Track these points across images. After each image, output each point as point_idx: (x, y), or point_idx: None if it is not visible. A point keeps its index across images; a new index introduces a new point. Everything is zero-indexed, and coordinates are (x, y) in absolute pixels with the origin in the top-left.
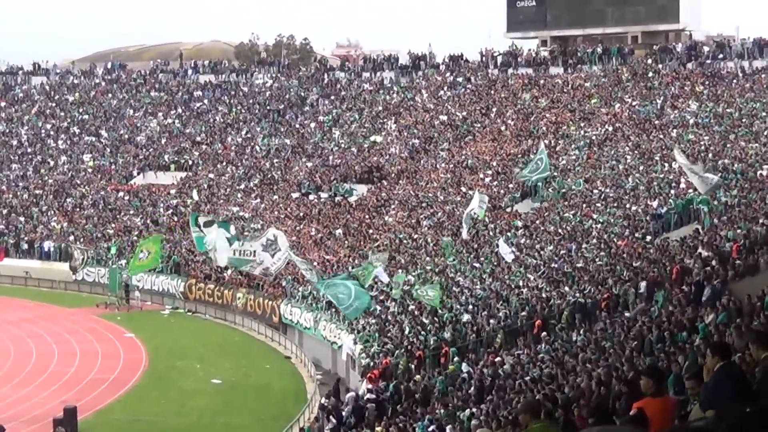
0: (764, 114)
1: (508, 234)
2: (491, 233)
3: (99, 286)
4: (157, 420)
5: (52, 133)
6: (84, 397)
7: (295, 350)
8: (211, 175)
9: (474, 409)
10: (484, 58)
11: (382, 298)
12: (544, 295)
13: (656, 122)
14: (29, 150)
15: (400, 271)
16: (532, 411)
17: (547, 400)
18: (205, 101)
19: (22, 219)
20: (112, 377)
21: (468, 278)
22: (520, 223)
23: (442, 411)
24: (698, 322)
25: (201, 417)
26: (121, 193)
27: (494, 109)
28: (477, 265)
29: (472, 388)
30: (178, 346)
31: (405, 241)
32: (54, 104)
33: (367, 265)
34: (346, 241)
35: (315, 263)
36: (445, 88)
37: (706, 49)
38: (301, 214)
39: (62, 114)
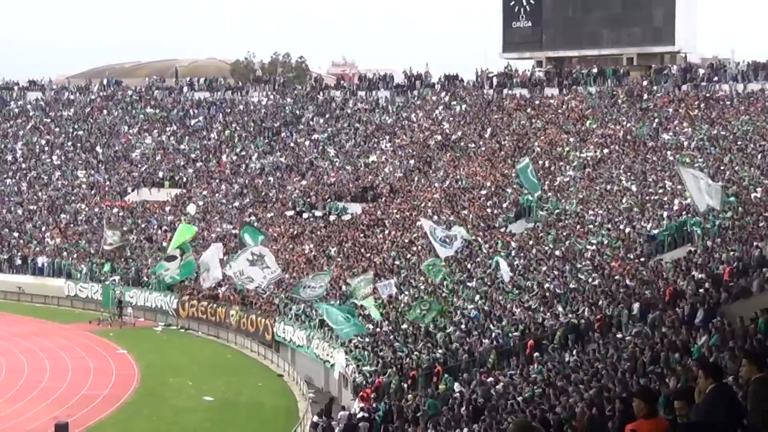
0: (758, 137)
1: (502, 254)
2: (485, 252)
3: (92, 303)
4: None
5: (46, 148)
6: (76, 413)
7: (288, 368)
8: (205, 193)
9: (465, 430)
10: (479, 78)
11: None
12: (537, 316)
13: (651, 144)
14: (24, 165)
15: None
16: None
17: (539, 421)
18: (201, 118)
19: (15, 234)
20: (104, 393)
21: (461, 298)
22: (514, 244)
23: (432, 430)
24: (691, 344)
25: None
26: (115, 210)
27: (489, 130)
28: (470, 284)
29: (464, 408)
30: (170, 363)
31: (397, 262)
32: (49, 120)
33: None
34: (339, 260)
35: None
36: (440, 108)
37: (701, 71)
38: (295, 233)
39: (57, 130)
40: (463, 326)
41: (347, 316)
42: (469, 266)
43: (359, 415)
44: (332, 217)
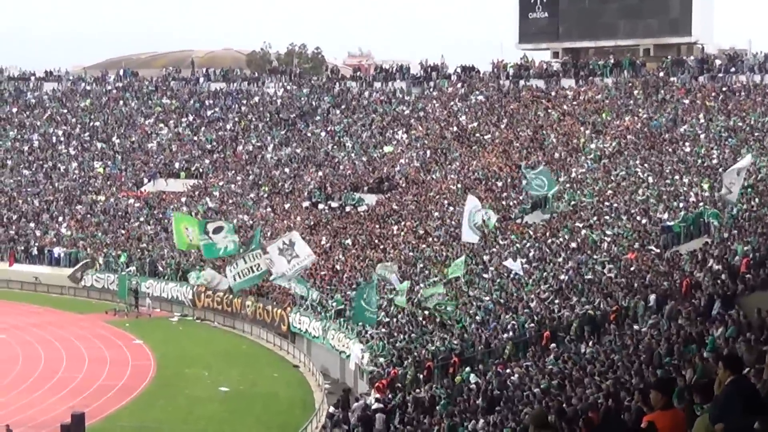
0: None
1: (518, 246)
2: (501, 244)
3: (108, 293)
4: (164, 427)
5: (63, 139)
6: (92, 403)
7: (304, 359)
8: (222, 183)
9: (482, 421)
10: (495, 70)
11: (391, 308)
12: (553, 307)
13: (667, 135)
14: (40, 156)
15: (405, 281)
16: (540, 422)
17: (555, 412)
18: (217, 109)
19: (32, 225)
20: (120, 384)
21: (477, 289)
22: (527, 236)
23: (447, 422)
24: (707, 335)
25: (208, 425)
26: (131, 200)
27: (505, 121)
28: (486, 276)
29: (480, 399)
30: (186, 354)
31: (413, 253)
32: (65, 111)
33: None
34: (354, 251)
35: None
36: (457, 99)
37: (718, 62)
38: (312, 224)
39: (73, 120)
40: (479, 317)
41: (373, 304)
42: (485, 258)
43: (375, 406)
44: (348, 209)
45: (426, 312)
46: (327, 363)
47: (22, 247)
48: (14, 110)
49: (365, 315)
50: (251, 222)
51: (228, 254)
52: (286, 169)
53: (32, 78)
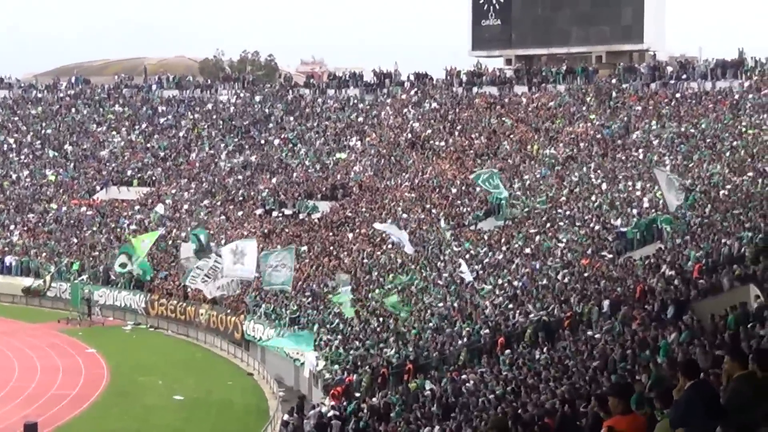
0: (727, 135)
1: (472, 252)
2: (454, 250)
3: (61, 302)
4: None
5: (14, 146)
6: (45, 412)
7: (258, 367)
8: (174, 191)
9: (437, 427)
10: (448, 77)
11: (346, 317)
12: (507, 313)
13: (620, 142)
14: None
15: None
16: (500, 427)
17: (511, 418)
18: (169, 117)
19: None
20: (73, 393)
21: (431, 296)
22: (481, 243)
23: (403, 428)
24: (661, 340)
25: None
26: (83, 209)
27: (459, 127)
28: (440, 282)
29: (435, 406)
30: (140, 362)
31: (366, 261)
32: (16, 118)
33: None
34: (308, 259)
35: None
36: (410, 106)
37: (669, 69)
38: (265, 231)
39: (24, 128)
40: (433, 324)
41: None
42: (438, 264)
43: (330, 414)
44: (302, 216)
45: (381, 319)
46: (281, 370)
47: None
48: None
49: (271, 276)
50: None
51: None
52: (240, 177)
53: None
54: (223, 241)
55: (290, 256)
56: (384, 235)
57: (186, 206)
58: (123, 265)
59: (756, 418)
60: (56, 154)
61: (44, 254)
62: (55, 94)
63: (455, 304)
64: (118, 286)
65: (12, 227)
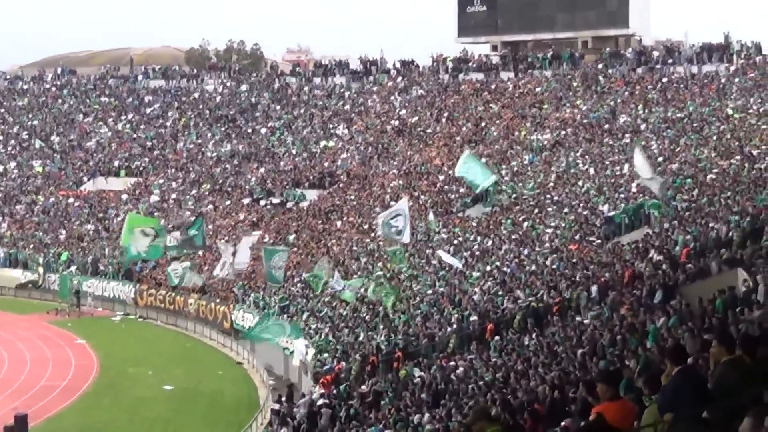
0: (713, 119)
1: (460, 239)
2: (443, 238)
3: (49, 293)
4: (109, 428)
5: (1, 138)
6: (35, 404)
7: (247, 356)
8: (162, 181)
9: (427, 414)
10: (435, 63)
11: (335, 303)
12: (496, 300)
13: (606, 127)
14: None
15: (354, 276)
16: (485, 417)
17: (500, 404)
18: (156, 107)
19: None
20: (63, 384)
21: (420, 283)
22: (469, 230)
23: (393, 416)
24: (649, 325)
25: (153, 424)
26: (71, 199)
27: (445, 114)
28: (429, 269)
29: (425, 393)
30: (129, 353)
31: (355, 248)
32: (3, 110)
33: (316, 273)
34: (297, 247)
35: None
36: (397, 94)
37: (655, 54)
38: (254, 220)
39: (11, 119)
40: (422, 311)
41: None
42: (427, 251)
43: (320, 402)
44: (290, 204)
45: (370, 307)
46: (271, 359)
47: None
48: None
49: (273, 275)
50: (192, 219)
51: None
52: (227, 166)
53: None
54: (211, 231)
55: (286, 256)
56: (373, 225)
57: (174, 196)
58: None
59: (742, 403)
60: (43, 145)
61: (32, 246)
62: (41, 85)
63: (444, 291)
64: (106, 276)
65: (0, 219)
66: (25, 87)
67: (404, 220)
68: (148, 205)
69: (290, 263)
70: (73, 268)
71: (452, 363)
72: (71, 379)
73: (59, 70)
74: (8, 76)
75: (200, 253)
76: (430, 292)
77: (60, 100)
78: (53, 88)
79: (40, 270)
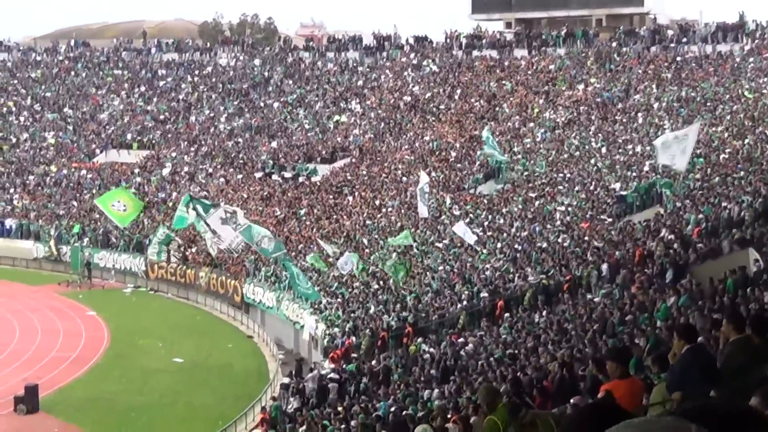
0: (727, 98)
1: (471, 216)
2: (454, 214)
3: (61, 264)
4: (118, 398)
5: (14, 109)
6: (45, 374)
7: (258, 330)
8: (174, 154)
9: (437, 390)
10: (448, 40)
11: (345, 278)
12: (506, 277)
13: (620, 105)
14: None
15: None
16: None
17: (509, 381)
18: (169, 80)
19: None
20: (73, 355)
21: (431, 259)
22: (481, 206)
23: (402, 391)
24: (660, 304)
25: (163, 396)
26: (83, 171)
27: (459, 91)
28: (439, 245)
29: (435, 369)
30: (140, 325)
31: (368, 223)
32: (16, 81)
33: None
34: (309, 222)
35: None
36: (410, 69)
37: (670, 32)
38: (265, 194)
39: (24, 91)
40: (433, 287)
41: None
42: (438, 227)
43: (329, 376)
44: (302, 179)
45: (381, 282)
46: (281, 333)
47: None
48: None
49: (303, 291)
50: (204, 193)
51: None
52: (239, 140)
53: None
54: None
55: (257, 230)
56: (383, 200)
57: (186, 169)
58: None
59: (750, 383)
60: (56, 116)
61: (44, 217)
62: (54, 57)
63: (454, 268)
64: (117, 249)
65: (12, 190)
66: (38, 59)
67: (422, 196)
68: (159, 178)
69: (301, 238)
70: (84, 240)
71: (462, 339)
72: (82, 350)
73: (72, 42)
74: (21, 48)
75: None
76: (440, 268)
77: (73, 72)
78: (66, 60)
79: (52, 242)
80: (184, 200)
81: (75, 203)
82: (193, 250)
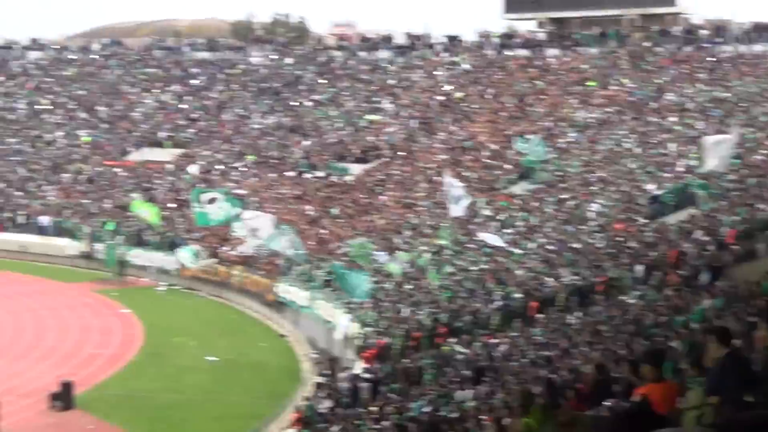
0: (761, 98)
1: (500, 218)
2: (487, 215)
3: (95, 262)
4: (152, 396)
5: (48, 107)
6: (80, 371)
7: (291, 328)
8: (207, 153)
9: (470, 391)
10: (480, 39)
11: (378, 278)
12: (540, 278)
13: (653, 105)
14: (26, 125)
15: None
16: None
17: (543, 383)
18: (201, 78)
19: (18, 193)
20: (108, 353)
21: (464, 259)
22: (514, 207)
23: (435, 391)
24: (694, 306)
25: (196, 394)
26: (116, 169)
27: (491, 90)
28: (473, 246)
29: (468, 370)
30: (173, 323)
31: (403, 221)
32: (50, 80)
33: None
34: (341, 220)
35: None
36: (442, 69)
37: (703, 32)
38: (298, 193)
39: (58, 89)
40: (466, 287)
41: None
42: (471, 227)
43: (363, 376)
44: (334, 178)
45: (414, 282)
46: (314, 332)
47: (9, 216)
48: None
49: (356, 292)
50: (237, 191)
51: (219, 224)
52: (272, 139)
53: (17, 47)
54: (257, 204)
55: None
56: (416, 198)
57: (218, 168)
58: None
59: None
60: (89, 115)
61: (79, 214)
62: (87, 55)
63: (488, 268)
64: (151, 246)
65: (46, 188)
66: (73, 57)
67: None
68: (192, 177)
69: (333, 237)
70: (119, 238)
71: (495, 340)
72: (116, 348)
73: (106, 41)
74: (56, 46)
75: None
76: (474, 268)
77: (106, 71)
78: (100, 59)
79: (87, 240)
80: (193, 195)
81: (109, 201)
82: (226, 248)
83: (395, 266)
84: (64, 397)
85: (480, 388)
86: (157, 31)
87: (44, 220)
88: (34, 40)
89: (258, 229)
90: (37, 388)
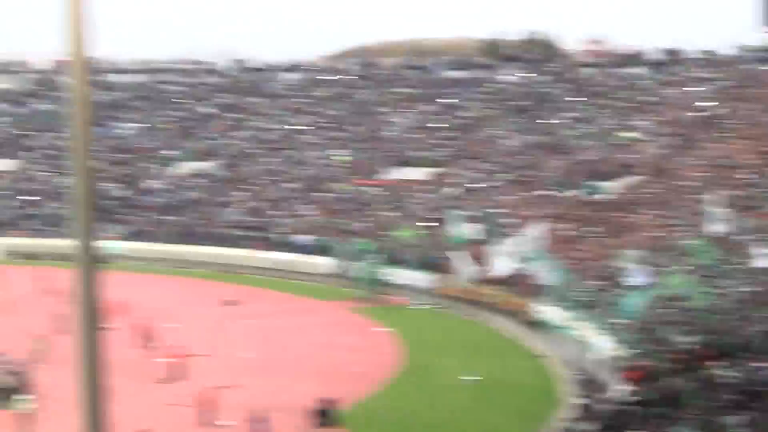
0: None
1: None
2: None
3: (350, 280)
4: (412, 415)
5: (302, 127)
6: (339, 389)
7: (546, 349)
8: (461, 172)
9: (737, 417)
10: (737, 53)
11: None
12: None
13: None
14: (281, 144)
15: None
16: None
17: None
18: (452, 97)
19: (276, 212)
20: (365, 371)
21: (728, 280)
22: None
23: (700, 416)
24: None
25: (454, 413)
26: (371, 188)
27: (751, 106)
28: (741, 266)
29: (733, 395)
30: (429, 342)
31: (663, 242)
32: (304, 100)
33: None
34: (600, 239)
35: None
36: (698, 84)
37: None
38: (555, 212)
39: (312, 109)
40: (730, 309)
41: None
42: (735, 247)
43: (623, 398)
44: (591, 197)
45: (676, 303)
46: (571, 353)
47: (268, 235)
48: (254, 100)
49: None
50: (495, 210)
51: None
52: (526, 157)
53: (272, 69)
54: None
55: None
56: (675, 216)
57: (472, 186)
58: None
59: None
60: (342, 134)
61: (335, 233)
62: (340, 76)
63: (755, 289)
64: (407, 265)
65: (303, 207)
66: (326, 78)
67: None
68: (445, 196)
69: (590, 256)
70: (374, 256)
71: (761, 364)
72: (373, 366)
73: (357, 61)
74: (312, 68)
75: None
76: (740, 290)
77: (359, 90)
78: (352, 78)
79: (342, 258)
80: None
81: (363, 220)
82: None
83: (672, 282)
84: (326, 415)
85: (746, 413)
86: (407, 50)
87: (303, 238)
88: (291, 64)
89: (517, 250)
90: (299, 406)
